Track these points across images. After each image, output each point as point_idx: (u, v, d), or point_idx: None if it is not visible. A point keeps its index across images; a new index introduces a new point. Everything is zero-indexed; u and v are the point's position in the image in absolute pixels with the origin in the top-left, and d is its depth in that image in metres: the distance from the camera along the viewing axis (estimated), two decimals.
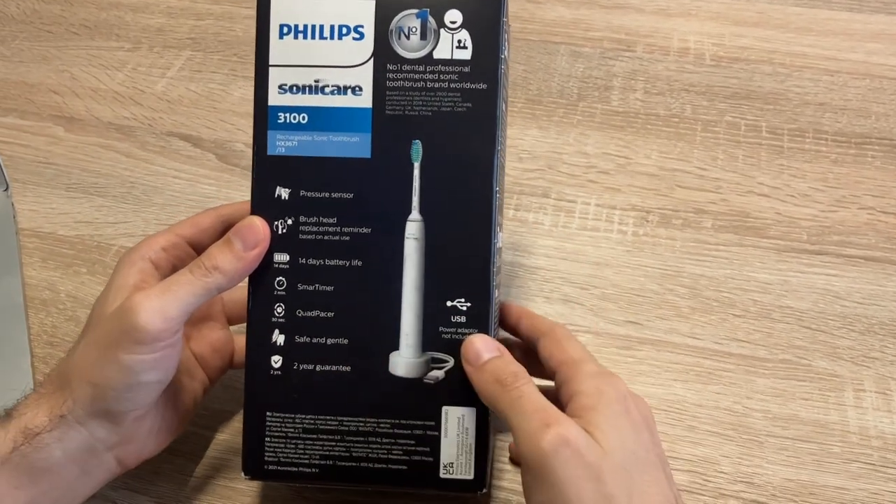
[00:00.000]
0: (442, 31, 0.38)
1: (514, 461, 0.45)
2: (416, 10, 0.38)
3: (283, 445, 0.39)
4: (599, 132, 0.62)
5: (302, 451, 0.39)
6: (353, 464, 0.39)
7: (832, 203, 0.57)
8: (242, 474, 0.40)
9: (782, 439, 0.45)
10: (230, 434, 0.47)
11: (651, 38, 0.69)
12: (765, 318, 0.51)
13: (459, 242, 0.39)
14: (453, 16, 0.38)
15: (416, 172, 0.38)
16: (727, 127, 0.62)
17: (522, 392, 0.35)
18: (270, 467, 0.40)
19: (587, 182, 0.59)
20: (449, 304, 0.38)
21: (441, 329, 0.39)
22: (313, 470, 0.39)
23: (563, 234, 0.56)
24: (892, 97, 0.63)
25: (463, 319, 0.39)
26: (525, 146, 0.61)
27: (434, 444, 0.39)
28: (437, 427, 0.39)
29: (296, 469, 0.39)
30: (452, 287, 0.39)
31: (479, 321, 0.39)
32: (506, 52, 0.40)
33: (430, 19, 0.38)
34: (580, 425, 0.34)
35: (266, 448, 0.39)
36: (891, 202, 0.57)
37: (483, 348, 0.38)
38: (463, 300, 0.38)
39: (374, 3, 0.39)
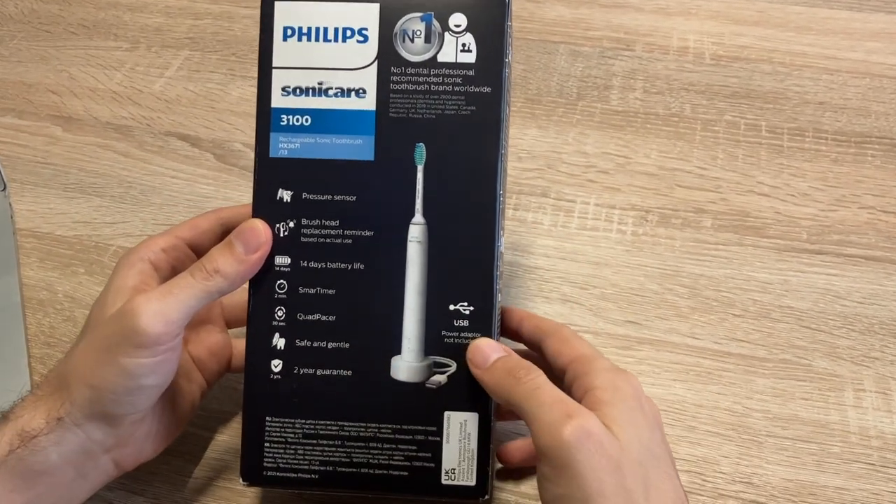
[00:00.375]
0: (446, 34, 0.38)
1: (506, 466, 0.44)
2: (420, 14, 0.38)
3: (282, 451, 0.39)
4: (599, 131, 0.62)
5: (301, 457, 0.39)
6: (354, 470, 0.39)
7: (832, 202, 0.57)
8: (241, 480, 0.40)
9: (782, 439, 0.45)
10: (228, 435, 0.46)
11: (650, 38, 0.69)
12: (764, 317, 0.51)
13: (463, 246, 0.38)
14: (458, 19, 0.38)
15: (420, 175, 0.38)
16: (727, 126, 0.62)
17: (538, 383, 0.35)
18: (269, 473, 0.39)
19: (586, 181, 0.59)
20: (452, 307, 0.38)
21: (444, 333, 0.38)
22: (313, 476, 0.39)
23: (563, 233, 0.56)
24: (892, 96, 0.63)
25: (466, 323, 0.38)
26: (524, 145, 0.61)
27: (436, 450, 0.38)
28: (439, 432, 0.38)
29: (295, 475, 0.39)
30: (455, 291, 0.38)
31: (482, 325, 0.38)
32: (510, 56, 0.39)
33: (435, 22, 0.38)
34: (619, 410, 0.34)
35: (265, 453, 0.39)
36: (891, 201, 0.56)
37: (490, 350, 0.37)
38: (466, 304, 0.38)
39: (378, 6, 0.39)
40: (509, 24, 0.39)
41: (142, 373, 0.35)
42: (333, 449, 0.39)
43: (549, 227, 0.56)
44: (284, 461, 0.39)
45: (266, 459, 0.39)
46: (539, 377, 0.35)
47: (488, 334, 0.38)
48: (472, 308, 0.38)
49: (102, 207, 0.59)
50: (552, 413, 0.33)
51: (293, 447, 0.39)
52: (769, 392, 0.47)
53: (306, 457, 0.39)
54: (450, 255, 0.38)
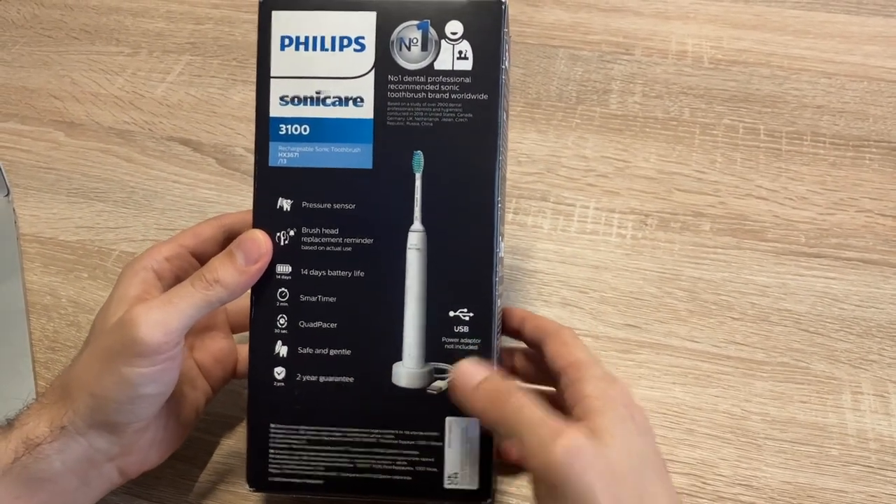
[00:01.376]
0: (443, 42, 0.38)
1: (506, 463, 0.44)
2: (416, 22, 0.38)
3: (286, 457, 0.39)
4: (598, 135, 0.62)
5: (306, 463, 0.39)
6: (358, 475, 0.39)
7: (830, 206, 0.57)
8: (246, 486, 0.40)
9: (780, 442, 0.46)
10: (232, 439, 0.47)
11: (649, 41, 0.69)
12: (763, 320, 0.51)
13: (461, 253, 0.39)
14: (454, 27, 0.38)
15: (418, 183, 0.38)
16: (725, 130, 0.62)
17: (523, 403, 0.35)
18: (275, 479, 0.40)
19: (586, 185, 0.59)
20: (451, 314, 0.38)
21: (444, 339, 0.39)
22: (318, 482, 0.39)
23: (562, 237, 0.56)
24: (890, 99, 0.64)
25: (465, 329, 0.39)
26: (524, 150, 0.61)
27: (438, 455, 0.39)
28: (441, 437, 0.39)
29: (300, 481, 0.39)
30: (455, 297, 0.39)
31: (481, 330, 0.39)
32: (506, 62, 0.40)
33: (431, 30, 0.38)
34: (589, 428, 0.34)
35: (270, 460, 0.39)
36: (888, 204, 0.57)
37: (473, 371, 0.37)
38: (465, 310, 0.38)
39: (374, 14, 0.39)
40: (506, 30, 0.39)
41: (142, 382, 0.36)
42: (337, 455, 0.39)
43: (549, 231, 0.56)
44: (289, 467, 0.39)
45: (271, 465, 0.39)
46: (524, 397, 0.35)
47: (488, 340, 0.39)
48: (471, 314, 0.38)
49: (105, 212, 0.60)
50: (540, 433, 0.33)
51: (298, 453, 0.39)
52: (768, 395, 0.48)
53: (311, 463, 0.39)
54: (449, 262, 0.39)
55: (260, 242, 0.38)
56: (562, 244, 0.56)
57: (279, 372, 0.39)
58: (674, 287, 0.53)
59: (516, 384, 0.36)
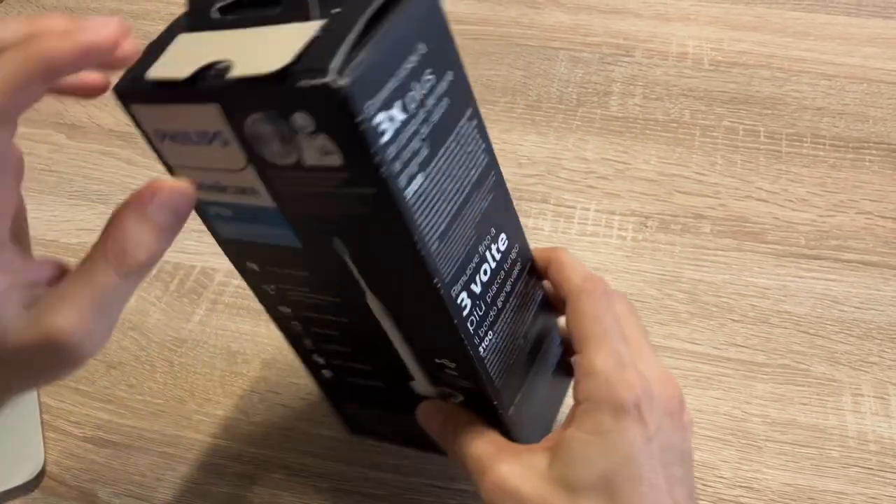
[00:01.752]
0: (299, 136, 0.28)
1: None
2: (262, 114, 0.29)
3: (365, 421, 0.45)
4: (598, 137, 0.62)
5: (381, 427, 0.44)
6: (422, 439, 0.41)
7: (830, 207, 0.57)
8: (349, 433, 0.46)
9: (781, 444, 0.46)
10: (232, 441, 0.47)
11: (650, 43, 0.70)
12: (763, 322, 0.51)
13: (421, 320, 0.35)
14: (301, 120, 0.28)
15: (350, 264, 0.33)
16: (725, 132, 0.62)
17: (465, 442, 0.36)
18: (364, 433, 0.46)
19: (586, 187, 0.59)
20: (437, 361, 0.37)
21: (440, 375, 0.38)
22: (397, 438, 0.45)
23: (563, 239, 0.56)
24: (889, 101, 0.64)
25: (455, 374, 0.37)
26: (524, 151, 0.61)
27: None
28: None
29: (383, 435, 0.45)
30: (435, 351, 0.36)
31: (468, 376, 0.36)
32: (411, 134, 0.29)
33: (282, 123, 0.28)
34: (552, 443, 0.33)
35: (355, 421, 0.45)
36: (888, 206, 0.57)
37: (430, 413, 0.39)
38: (447, 360, 0.36)
39: (217, 106, 0.29)
40: (370, 114, 0.27)
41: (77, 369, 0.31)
42: (398, 426, 0.43)
43: (550, 233, 0.57)
44: (371, 427, 0.45)
45: (358, 424, 0.45)
46: (467, 434, 0.36)
47: (478, 382, 0.36)
48: (454, 364, 0.36)
49: (106, 214, 0.58)
50: (476, 470, 0.35)
51: (370, 422, 0.44)
52: (768, 397, 0.48)
53: (384, 428, 0.44)
54: (415, 325, 0.35)
55: (180, 189, 0.31)
56: (562, 246, 0.56)
57: (327, 373, 0.42)
58: (674, 289, 0.53)
59: (463, 419, 0.37)
